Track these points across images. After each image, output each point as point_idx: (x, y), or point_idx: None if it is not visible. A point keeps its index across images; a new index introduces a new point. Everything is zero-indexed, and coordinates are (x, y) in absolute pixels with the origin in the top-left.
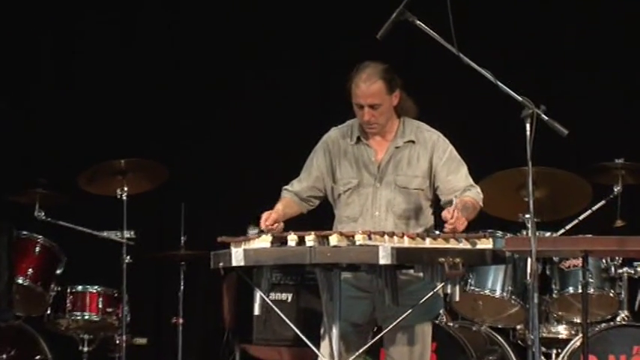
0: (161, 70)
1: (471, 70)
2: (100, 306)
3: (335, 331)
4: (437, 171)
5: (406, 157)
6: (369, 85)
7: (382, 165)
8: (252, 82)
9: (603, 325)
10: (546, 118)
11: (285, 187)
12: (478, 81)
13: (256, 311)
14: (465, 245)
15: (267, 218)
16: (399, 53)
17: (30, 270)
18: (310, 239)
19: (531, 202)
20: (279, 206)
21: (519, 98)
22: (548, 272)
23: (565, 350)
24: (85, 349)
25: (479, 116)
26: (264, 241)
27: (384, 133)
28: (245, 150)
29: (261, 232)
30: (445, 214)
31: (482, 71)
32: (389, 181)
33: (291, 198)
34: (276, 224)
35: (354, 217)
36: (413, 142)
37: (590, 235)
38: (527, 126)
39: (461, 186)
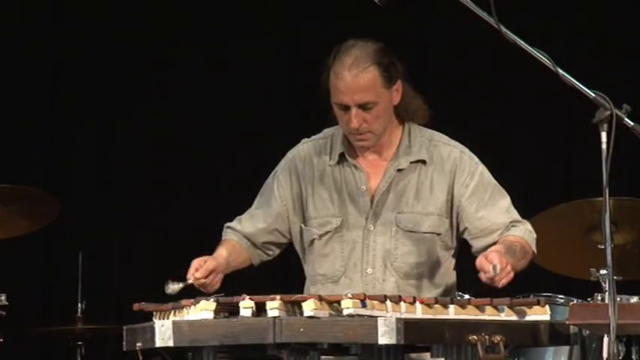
0: (44, 56)
1: (519, 51)
2: None
3: None
4: (462, 205)
5: (414, 184)
6: (357, 74)
7: (377, 197)
8: (183, 68)
9: None
10: (632, 123)
11: (230, 224)
12: (529, 69)
13: None
14: (508, 316)
15: (198, 267)
16: (407, 29)
17: None
18: (274, 306)
19: (609, 251)
20: (221, 251)
21: (591, 94)
22: (635, 357)
23: None
24: None
25: (529, 123)
26: (204, 310)
27: (379, 147)
28: (171, 172)
29: (199, 295)
30: (481, 260)
31: (536, 53)
32: (388, 220)
33: (239, 242)
34: (212, 275)
35: (335, 275)
36: (424, 162)
37: None
38: (603, 135)
39: (501, 222)
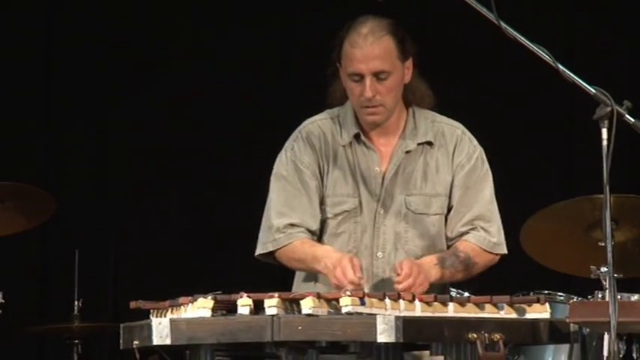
0: (40, 53)
1: (520, 48)
2: None
3: None
4: (454, 184)
5: (421, 166)
6: (373, 42)
7: (387, 179)
8: (180, 66)
9: None
10: (633, 120)
11: (287, 223)
12: (529, 65)
13: None
14: (508, 314)
15: (355, 267)
16: (405, 25)
17: None
18: (272, 304)
19: (609, 248)
20: (328, 248)
21: (592, 90)
22: (635, 355)
23: None
24: None
25: (530, 120)
26: (202, 308)
27: (387, 128)
28: (168, 169)
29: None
30: (396, 267)
31: (537, 49)
32: (397, 203)
33: (312, 238)
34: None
35: None
36: (430, 143)
37: None
38: (604, 132)
39: (468, 219)
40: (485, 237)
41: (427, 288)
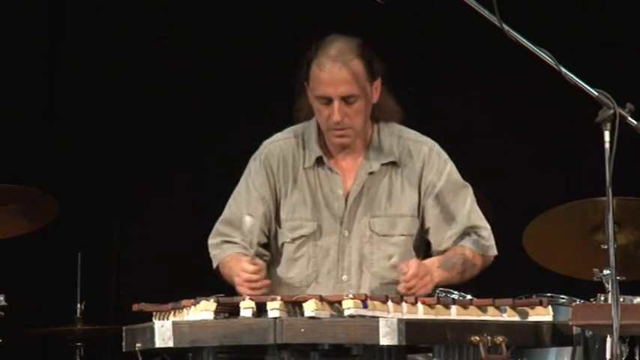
0: (42, 55)
1: (522, 50)
2: None
3: None
4: (427, 205)
5: (386, 187)
6: (341, 66)
7: (350, 201)
8: (182, 67)
9: None
10: (635, 122)
11: (220, 239)
12: (531, 68)
13: None
14: (510, 316)
15: (251, 278)
16: (407, 30)
17: None
18: (275, 307)
19: (612, 251)
20: (249, 260)
21: (594, 93)
22: (638, 358)
23: None
24: None
25: (532, 123)
26: (204, 311)
27: (352, 147)
28: (170, 172)
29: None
30: (402, 267)
31: (539, 52)
32: (362, 225)
33: (246, 252)
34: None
35: (304, 280)
36: (394, 163)
37: None
38: (606, 134)
39: (456, 231)
40: (480, 240)
41: (430, 290)
